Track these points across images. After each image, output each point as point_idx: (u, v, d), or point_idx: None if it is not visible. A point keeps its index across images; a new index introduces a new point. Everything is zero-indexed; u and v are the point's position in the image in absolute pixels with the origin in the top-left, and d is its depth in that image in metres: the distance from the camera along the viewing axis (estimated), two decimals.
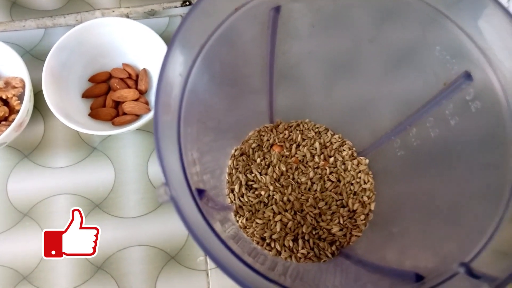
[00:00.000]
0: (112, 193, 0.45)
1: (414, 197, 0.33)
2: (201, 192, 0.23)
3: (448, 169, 0.30)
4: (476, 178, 0.27)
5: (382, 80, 0.36)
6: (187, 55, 0.23)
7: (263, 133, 0.41)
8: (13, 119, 0.42)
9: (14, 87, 0.45)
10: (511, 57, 0.24)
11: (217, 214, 0.30)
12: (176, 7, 0.53)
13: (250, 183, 0.38)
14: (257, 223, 0.36)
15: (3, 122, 0.45)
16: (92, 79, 0.48)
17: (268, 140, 0.40)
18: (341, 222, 0.37)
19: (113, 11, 0.52)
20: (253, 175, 0.38)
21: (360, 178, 0.39)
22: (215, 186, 0.36)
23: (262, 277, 0.22)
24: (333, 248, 0.35)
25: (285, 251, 0.35)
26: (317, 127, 0.42)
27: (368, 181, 0.39)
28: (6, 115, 0.45)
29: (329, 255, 0.35)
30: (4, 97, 0.45)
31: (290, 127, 0.41)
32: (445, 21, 0.27)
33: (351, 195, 0.38)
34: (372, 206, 0.38)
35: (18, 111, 0.43)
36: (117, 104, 0.47)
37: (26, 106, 0.43)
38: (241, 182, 0.38)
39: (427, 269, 0.24)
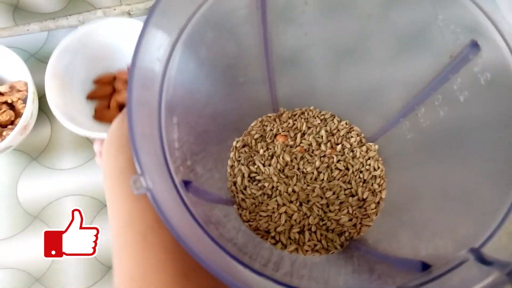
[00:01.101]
0: None
1: (425, 182, 0.31)
2: (187, 183, 0.22)
3: (459, 149, 0.28)
4: (488, 158, 0.24)
5: (389, 62, 0.34)
6: (165, 38, 0.22)
7: (266, 123, 0.39)
8: None
9: (19, 91, 0.46)
10: None
11: (215, 208, 0.29)
12: None
13: (253, 175, 0.37)
14: (260, 216, 0.34)
15: (9, 126, 0.45)
16: (96, 81, 0.48)
17: (271, 130, 0.39)
18: (350, 211, 0.35)
19: (115, 9, 0.52)
20: (256, 166, 0.37)
21: (369, 165, 0.37)
22: (216, 179, 0.34)
23: (267, 278, 0.20)
24: (342, 239, 0.34)
25: (291, 243, 0.33)
26: (323, 114, 0.40)
27: (378, 167, 0.37)
28: (12, 119, 0.45)
29: (338, 247, 0.33)
30: (9, 101, 0.45)
31: (294, 115, 0.40)
32: None
33: (361, 183, 0.36)
34: (383, 194, 0.35)
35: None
36: (122, 106, 0.46)
37: (29, 109, 0.43)
38: (243, 174, 0.36)
39: (436, 257, 0.22)
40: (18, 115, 0.46)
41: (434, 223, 0.26)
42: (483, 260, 0.18)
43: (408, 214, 0.31)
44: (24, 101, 0.45)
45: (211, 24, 0.26)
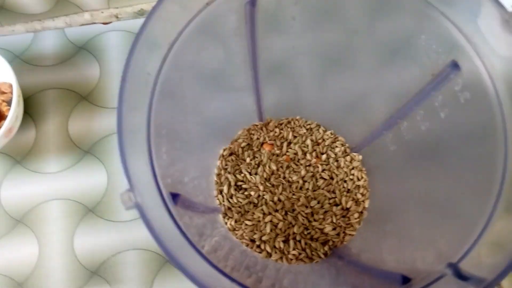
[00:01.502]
0: (106, 197, 0.45)
1: (408, 193, 0.32)
2: (175, 196, 0.22)
3: (439, 163, 0.29)
4: (467, 171, 0.25)
5: (373, 74, 0.35)
6: (155, 52, 0.22)
7: (252, 132, 0.40)
8: None
9: (3, 93, 0.45)
10: (498, 45, 0.23)
11: (201, 217, 0.30)
12: None
13: (240, 183, 0.37)
14: (246, 224, 0.35)
15: None
16: None
17: (258, 138, 0.39)
18: (334, 221, 0.35)
19: (102, 12, 0.52)
20: (242, 175, 0.37)
21: (353, 175, 0.38)
22: (203, 188, 0.35)
23: None
24: (326, 248, 0.34)
25: (275, 252, 0.34)
26: (309, 124, 0.40)
27: (362, 177, 0.37)
28: None
29: (322, 256, 0.34)
30: None
31: (281, 124, 0.40)
32: (430, 10, 0.25)
33: (345, 193, 0.37)
34: (366, 204, 0.36)
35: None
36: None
37: (14, 112, 0.42)
38: (230, 182, 0.37)
39: (415, 270, 0.23)
40: (2, 117, 0.45)
41: (415, 235, 0.27)
42: (460, 275, 0.19)
43: (391, 225, 0.32)
44: (9, 103, 0.44)
45: (202, 37, 0.26)
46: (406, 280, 0.22)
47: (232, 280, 0.21)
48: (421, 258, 0.24)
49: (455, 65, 0.25)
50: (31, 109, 0.48)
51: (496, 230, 0.20)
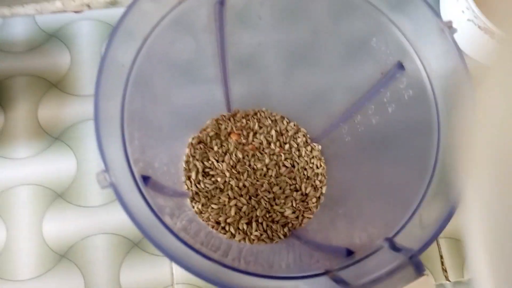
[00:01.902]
0: (75, 183, 0.46)
1: (359, 180, 0.35)
2: (146, 178, 0.25)
3: (387, 152, 0.32)
4: (408, 161, 0.29)
5: (334, 70, 0.38)
6: (130, 45, 0.24)
7: (220, 122, 0.42)
8: None
9: None
10: (435, 49, 0.26)
11: (170, 200, 0.32)
12: None
13: (207, 170, 0.39)
14: (212, 208, 0.37)
15: None
16: None
17: (225, 128, 0.42)
18: (294, 205, 0.38)
19: (74, 1, 0.52)
20: (210, 162, 0.40)
21: (313, 163, 0.41)
22: (172, 173, 0.37)
23: (217, 263, 0.23)
24: (285, 230, 0.37)
25: (239, 233, 0.36)
26: (274, 115, 0.43)
27: (321, 166, 0.41)
28: None
29: (281, 236, 0.37)
30: None
31: (248, 115, 0.43)
32: (380, 16, 0.29)
33: (304, 180, 0.40)
34: (324, 190, 0.40)
35: None
36: None
37: None
38: (198, 169, 0.39)
39: (359, 245, 0.26)
40: None
41: (363, 216, 0.31)
42: (394, 247, 0.23)
43: (343, 208, 0.35)
44: None
45: (174, 31, 0.28)
46: (350, 252, 0.25)
47: (201, 254, 0.23)
48: (365, 235, 0.28)
49: (400, 66, 0.29)
50: (0, 95, 0.48)
51: (424, 211, 0.24)
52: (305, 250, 0.33)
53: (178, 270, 0.42)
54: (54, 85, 0.49)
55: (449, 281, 0.43)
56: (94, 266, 0.43)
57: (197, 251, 0.23)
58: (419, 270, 0.21)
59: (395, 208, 0.27)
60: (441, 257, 0.44)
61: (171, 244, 0.22)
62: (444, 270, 0.44)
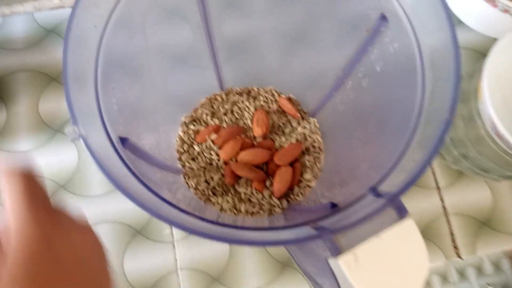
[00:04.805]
0: (77, 174, 0.46)
1: (352, 147, 0.34)
2: (124, 140, 0.24)
3: (376, 115, 0.31)
4: (395, 114, 0.28)
5: (329, 49, 0.37)
6: (101, 6, 0.24)
7: (214, 101, 0.42)
8: None
9: None
10: None
11: (158, 172, 0.31)
12: None
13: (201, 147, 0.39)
14: (207, 183, 0.37)
15: None
16: None
17: (219, 106, 0.41)
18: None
19: None
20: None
21: (310, 137, 0.40)
22: (163, 148, 0.37)
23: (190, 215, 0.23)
24: (284, 203, 0.36)
25: (235, 211, 0.36)
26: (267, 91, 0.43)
27: (317, 139, 0.40)
28: None
29: (279, 210, 0.36)
30: None
31: (241, 93, 0.42)
32: None
33: (303, 154, 0.39)
34: (322, 162, 0.38)
35: None
36: None
37: None
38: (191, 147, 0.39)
39: (347, 200, 0.25)
40: None
41: (355, 179, 0.30)
42: (377, 193, 0.21)
43: (337, 176, 0.34)
44: None
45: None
46: (334, 205, 0.24)
47: (182, 210, 0.23)
48: (353, 193, 0.26)
49: (383, 18, 0.28)
50: (1, 91, 0.49)
51: (407, 160, 0.23)
52: (295, 213, 0.32)
53: (181, 256, 0.41)
54: (54, 79, 0.50)
55: (461, 258, 0.41)
56: None
57: (176, 206, 0.23)
58: (401, 213, 0.20)
59: (381, 161, 0.26)
60: (452, 234, 0.42)
61: (146, 196, 0.22)
62: (455, 247, 0.42)
